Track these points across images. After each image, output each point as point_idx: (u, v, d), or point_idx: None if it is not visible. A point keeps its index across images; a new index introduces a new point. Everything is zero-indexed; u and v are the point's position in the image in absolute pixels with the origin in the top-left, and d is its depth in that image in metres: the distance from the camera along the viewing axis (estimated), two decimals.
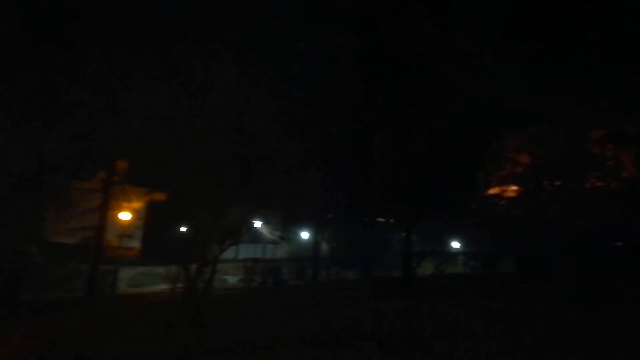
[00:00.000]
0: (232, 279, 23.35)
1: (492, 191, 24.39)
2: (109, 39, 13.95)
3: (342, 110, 18.31)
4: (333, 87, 17.11)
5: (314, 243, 25.62)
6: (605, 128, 19.76)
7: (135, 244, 23.62)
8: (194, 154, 10.53)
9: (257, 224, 22.22)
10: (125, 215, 21.23)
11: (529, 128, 20.21)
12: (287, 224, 24.29)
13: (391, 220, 27.32)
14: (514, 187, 22.39)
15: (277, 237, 23.79)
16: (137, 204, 21.00)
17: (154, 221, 20.79)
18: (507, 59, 20.07)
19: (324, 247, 26.90)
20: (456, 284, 20.85)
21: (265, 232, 23.43)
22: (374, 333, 9.55)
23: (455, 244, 29.92)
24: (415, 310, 12.33)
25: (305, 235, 26.49)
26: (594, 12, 17.11)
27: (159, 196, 16.27)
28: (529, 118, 19.77)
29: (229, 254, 21.99)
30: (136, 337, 9.49)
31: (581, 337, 8.76)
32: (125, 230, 21.49)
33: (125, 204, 20.66)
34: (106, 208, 19.29)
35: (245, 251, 24.73)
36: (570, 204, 18.90)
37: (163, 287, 17.68)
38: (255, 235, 24.11)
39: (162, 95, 10.82)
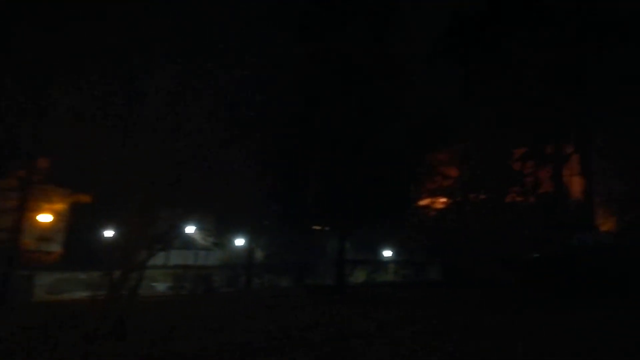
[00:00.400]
0: (161, 286, 22.55)
1: (423, 202, 25.40)
2: (34, 36, 13.13)
3: (280, 117, 18.38)
4: (272, 94, 17.16)
5: (249, 250, 25.33)
6: (526, 147, 21.23)
7: (56, 247, 22.16)
8: (122, 155, 10.11)
9: (190, 229, 21.65)
10: (45, 217, 19.93)
11: (458, 144, 21.27)
12: (221, 230, 23.85)
13: (326, 228, 27.60)
14: (443, 199, 23.45)
15: (210, 243, 23.28)
16: (60, 206, 19.81)
17: (77, 224, 19.72)
18: (440, 78, 21.14)
19: (259, 254, 26.67)
20: (387, 292, 21.41)
21: (198, 237, 22.86)
22: (307, 340, 9.58)
23: (388, 253, 30.75)
24: (347, 317, 12.51)
25: (240, 241, 26.12)
26: (518, 39, 18.39)
27: (84, 198, 15.44)
28: (459, 134, 20.84)
29: (158, 260, 21.22)
30: (49, 350, 8.86)
31: (494, 339, 9.28)
32: (45, 233, 20.16)
33: (46, 205, 19.43)
34: (23, 209, 18.00)
35: (176, 257, 23.97)
36: (493, 216, 20.05)
37: (85, 294, 16.73)
38: (187, 241, 23.45)
39: (88, 94, 10.32)
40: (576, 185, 25.50)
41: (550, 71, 17.40)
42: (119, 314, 10.77)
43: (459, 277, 22.35)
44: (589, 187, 24.57)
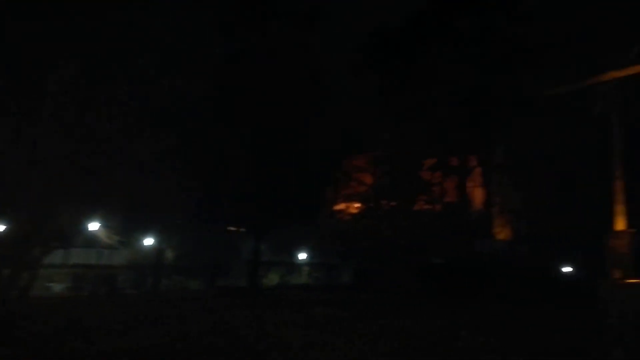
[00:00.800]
0: (58, 287, 20.93)
1: (338, 207, 26.00)
2: None
3: (196, 113, 17.90)
4: (190, 90, 16.66)
5: (158, 250, 24.31)
6: (435, 158, 22.55)
7: None
8: (16, 145, 9.27)
9: (93, 226, 20.28)
10: None
11: (373, 151, 22.08)
12: (128, 228, 22.62)
13: (242, 229, 27.27)
14: (357, 205, 24.17)
15: (115, 241, 21.98)
16: None
17: None
18: (360, 87, 21.87)
19: (169, 254, 25.69)
20: (299, 295, 21.57)
21: (103, 235, 21.49)
22: (212, 345, 9.38)
23: (302, 256, 31.04)
24: (258, 321, 12.43)
25: (149, 241, 24.97)
26: (431, 58, 19.56)
27: None
28: (375, 142, 21.66)
29: (56, 258, 19.66)
30: None
31: (395, 342, 9.73)
32: None
33: None
34: None
35: (77, 256, 22.38)
36: (402, 223, 21.03)
37: None
38: (89, 238, 21.95)
39: None
40: (478, 196, 27.51)
41: (458, 90, 18.69)
42: (6, 316, 9.84)
43: (370, 281, 23.09)
44: (489, 198, 26.64)
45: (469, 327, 11.40)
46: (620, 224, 9.36)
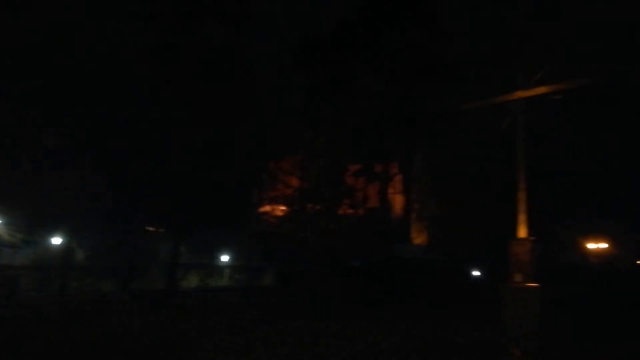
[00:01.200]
0: None
1: (264, 209, 25.83)
2: None
3: (114, 108, 16.96)
4: (114, 81, 15.78)
5: (66, 249, 22.66)
6: (359, 164, 23.15)
7: None
8: None
9: None
10: None
11: (300, 154, 22.20)
12: (34, 226, 20.85)
13: (161, 230, 26.23)
14: (283, 207, 24.16)
15: (18, 240, 20.16)
16: None
17: None
18: (289, 89, 21.91)
19: (80, 254, 24.04)
20: (218, 297, 21.13)
21: (4, 233, 19.63)
22: (130, 350, 8.92)
23: (225, 258, 30.44)
24: (170, 325, 11.99)
25: (57, 240, 23.19)
26: (359, 66, 20.09)
27: None
28: (302, 145, 21.78)
29: None
30: None
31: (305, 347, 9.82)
32: None
33: None
34: None
35: None
36: (326, 226, 21.31)
37: None
38: None
39: None
40: (398, 202, 28.65)
41: (381, 99, 19.37)
42: None
43: (292, 284, 23.14)
44: (408, 204, 27.83)
45: (383, 327, 11.80)
46: (522, 232, 10.14)
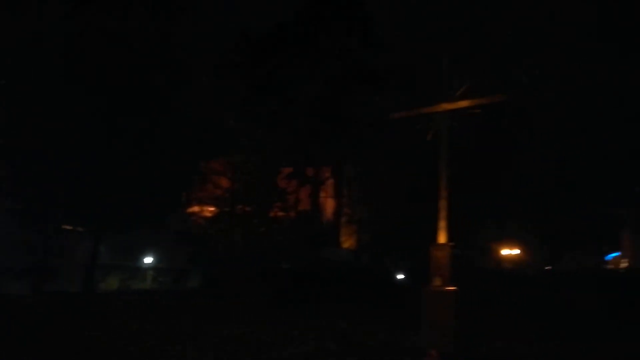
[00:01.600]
0: None
1: (192, 209, 25.16)
2: None
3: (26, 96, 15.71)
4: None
5: None
6: (292, 167, 23.24)
7: None
8: None
9: None
10: None
11: (231, 155, 21.88)
12: None
13: (79, 229, 24.69)
14: (212, 208, 23.67)
15: None
16: None
17: None
18: (223, 89, 21.52)
19: None
20: (139, 300, 20.20)
21: None
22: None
23: (148, 259, 29.17)
24: (80, 330, 11.29)
25: None
26: (293, 70, 20.21)
27: None
28: (234, 145, 21.48)
29: None
30: None
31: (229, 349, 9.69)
32: None
33: None
34: None
35: None
36: (256, 228, 21.17)
37: None
38: None
39: None
40: (329, 206, 29.07)
41: (315, 103, 19.62)
42: None
43: (220, 286, 22.72)
44: (339, 209, 28.34)
45: (306, 330, 11.88)
46: (442, 238, 10.62)
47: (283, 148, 20.06)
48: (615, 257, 29.76)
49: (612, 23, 22.86)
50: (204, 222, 24.21)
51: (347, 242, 28.72)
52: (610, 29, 23.04)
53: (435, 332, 9.79)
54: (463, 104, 10.49)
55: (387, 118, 11.96)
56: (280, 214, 23.01)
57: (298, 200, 23.48)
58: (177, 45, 19.75)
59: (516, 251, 28.76)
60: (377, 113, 18.31)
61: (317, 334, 11.40)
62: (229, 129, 20.37)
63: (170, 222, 23.58)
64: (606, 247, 29.15)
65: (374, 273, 24.47)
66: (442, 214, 10.66)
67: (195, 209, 24.33)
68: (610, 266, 28.71)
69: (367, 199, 26.28)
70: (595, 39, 23.66)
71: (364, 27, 21.03)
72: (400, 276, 29.14)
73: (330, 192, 27.11)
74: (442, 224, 10.62)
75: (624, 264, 27.68)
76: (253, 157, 20.37)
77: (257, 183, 21.06)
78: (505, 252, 28.67)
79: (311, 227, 24.20)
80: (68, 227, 24.36)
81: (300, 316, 15.05)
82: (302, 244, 22.73)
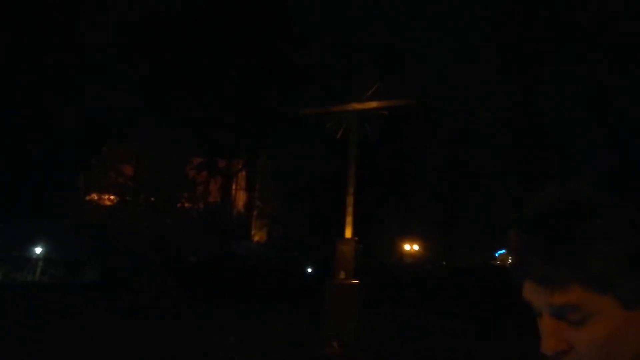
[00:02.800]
0: None
1: (91, 197, 23.52)
2: None
3: None
4: None
5: None
6: (203, 157, 22.58)
7: None
8: None
9: None
10: None
11: (137, 142, 20.76)
12: None
13: None
14: (113, 197, 22.30)
15: None
16: None
17: None
18: (129, 72, 20.30)
19: None
20: (24, 296, 18.51)
21: None
22: None
23: (38, 250, 26.80)
24: None
25: None
26: (206, 57, 19.60)
27: None
28: (140, 132, 20.38)
29: None
30: None
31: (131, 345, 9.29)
32: None
33: None
34: None
35: None
36: (161, 219, 20.30)
37: None
38: None
39: None
40: (241, 199, 28.71)
41: (228, 94, 19.21)
42: None
43: (121, 279, 21.52)
44: (250, 202, 28.10)
45: (210, 324, 11.69)
46: (348, 232, 10.96)
47: (193, 137, 19.39)
48: (502, 254, 32.72)
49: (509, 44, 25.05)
50: (104, 211, 22.75)
51: (258, 235, 28.61)
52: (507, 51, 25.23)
53: (337, 324, 10.08)
54: (372, 104, 10.87)
55: (297, 114, 12.07)
56: (188, 205, 22.30)
57: (208, 192, 22.90)
58: (81, 22, 18.30)
59: (416, 247, 30.52)
60: (288, 109, 18.39)
61: (221, 328, 11.26)
62: (135, 114, 19.28)
63: (66, 211, 21.85)
64: (495, 244, 31.90)
65: (283, 267, 24.57)
66: (349, 209, 10.99)
67: (95, 197, 22.78)
68: (497, 262, 31.48)
69: (280, 193, 26.35)
70: (496, 57, 25.78)
71: (282, 22, 20.91)
72: (309, 270, 29.58)
73: (243, 185, 26.78)
74: (349, 219, 10.96)
75: (510, 261, 30.49)
76: (159, 145, 19.46)
77: (163, 172, 20.18)
78: (406, 247, 30.29)
79: (221, 219, 23.73)
80: None
81: (205, 310, 14.75)
82: (210, 236, 22.21)
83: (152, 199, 20.20)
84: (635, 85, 22.73)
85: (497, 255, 33.03)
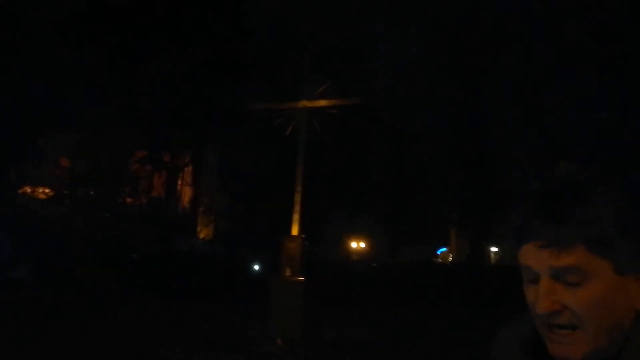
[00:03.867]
0: None
1: (24, 190, 22.16)
2: None
3: None
4: None
5: None
6: (147, 150, 21.77)
7: None
8: None
9: None
10: None
11: (74, 133, 19.72)
12: None
13: None
14: (48, 190, 21.10)
15: None
16: None
17: None
18: (69, 57, 19.20)
19: None
20: None
21: None
22: None
23: None
24: None
25: None
26: (152, 43, 18.89)
27: None
28: (78, 123, 19.34)
29: None
30: None
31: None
32: None
33: None
34: None
35: None
36: (100, 214, 19.42)
37: None
38: None
39: None
40: (186, 194, 27.96)
41: (173, 86, 18.60)
42: None
43: (55, 276, 20.41)
44: (196, 197, 27.42)
45: (154, 322, 11.35)
46: (294, 230, 10.97)
47: (137, 129, 18.63)
48: (443, 252, 33.94)
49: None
50: (38, 204, 21.47)
51: (204, 232, 28.00)
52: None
53: (282, 321, 10.07)
54: (322, 102, 10.93)
55: (246, 109, 11.93)
56: (129, 199, 21.46)
57: (152, 186, 22.13)
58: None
59: (362, 244, 31.03)
60: (236, 104, 18.07)
61: (163, 326, 10.96)
62: (75, 103, 18.26)
63: None
64: (437, 242, 33.02)
65: (229, 264, 24.20)
66: (296, 207, 11.00)
67: (27, 189, 21.44)
68: (439, 260, 32.62)
69: (227, 189, 25.93)
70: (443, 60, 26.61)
71: (233, 15, 20.51)
72: (256, 267, 29.32)
73: (189, 180, 26.08)
74: (296, 217, 10.96)
75: (449, 258, 31.67)
76: (100, 136, 18.55)
77: (104, 165, 19.28)
78: (353, 244, 30.73)
79: (164, 215, 23.02)
80: None
81: (146, 308, 14.30)
82: (153, 232, 21.49)
83: (91, 192, 19.27)
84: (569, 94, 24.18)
85: (438, 252, 34.22)
